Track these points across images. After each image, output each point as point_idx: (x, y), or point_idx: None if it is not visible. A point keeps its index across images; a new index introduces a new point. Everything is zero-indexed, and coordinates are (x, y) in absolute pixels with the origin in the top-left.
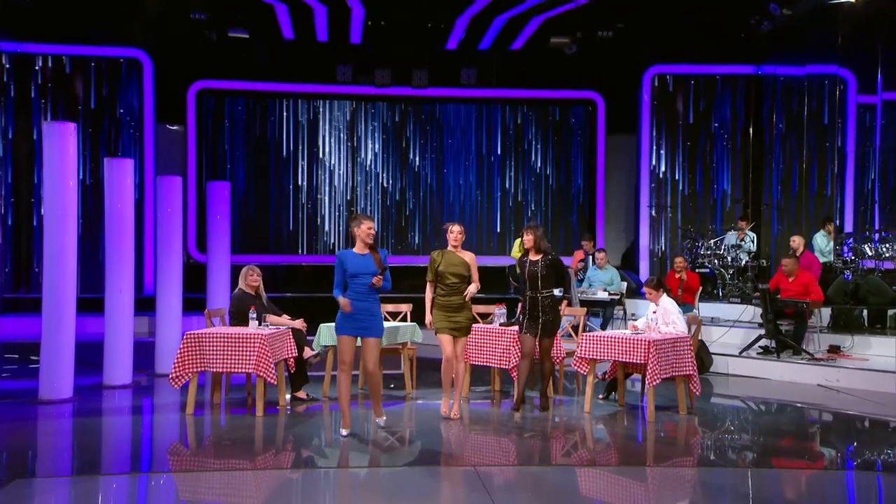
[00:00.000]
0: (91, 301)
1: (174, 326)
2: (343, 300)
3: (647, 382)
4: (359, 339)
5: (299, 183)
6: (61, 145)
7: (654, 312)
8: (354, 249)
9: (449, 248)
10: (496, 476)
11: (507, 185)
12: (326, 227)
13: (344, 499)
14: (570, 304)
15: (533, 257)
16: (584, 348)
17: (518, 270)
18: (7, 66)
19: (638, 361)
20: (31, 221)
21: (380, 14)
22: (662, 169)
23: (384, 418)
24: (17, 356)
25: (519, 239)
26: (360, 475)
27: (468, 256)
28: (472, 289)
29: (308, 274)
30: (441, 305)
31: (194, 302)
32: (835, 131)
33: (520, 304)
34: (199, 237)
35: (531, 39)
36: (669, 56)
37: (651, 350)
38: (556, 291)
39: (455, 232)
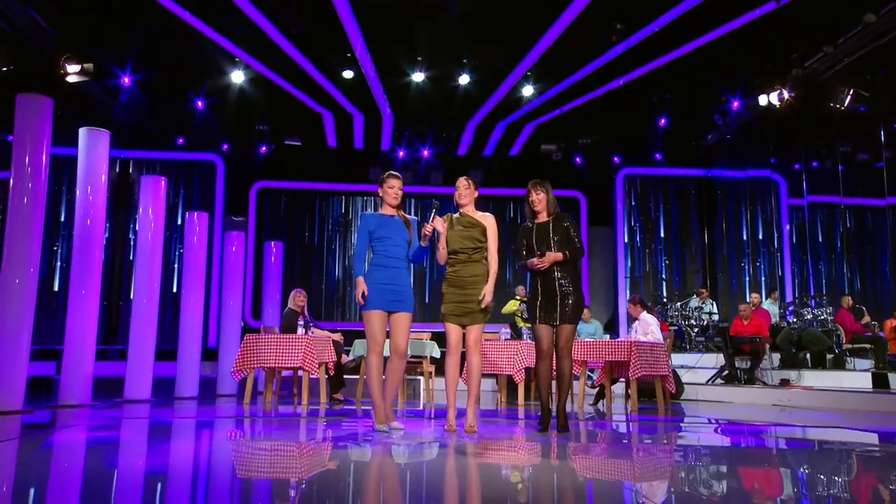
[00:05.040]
0: (169, 352)
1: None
2: (361, 284)
3: (629, 375)
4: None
5: (337, 264)
6: (154, 192)
7: (636, 322)
8: (381, 211)
9: (460, 210)
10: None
11: (506, 273)
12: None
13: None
14: None
15: (542, 220)
16: (577, 352)
17: (524, 242)
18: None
19: (622, 360)
20: (121, 293)
21: (404, 125)
22: (635, 249)
23: (397, 424)
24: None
25: (514, 299)
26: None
27: (487, 220)
28: (488, 293)
29: (344, 335)
30: (449, 281)
31: None
32: (771, 223)
33: (521, 288)
34: (255, 308)
35: (525, 146)
36: (637, 161)
37: (633, 349)
38: None
39: (461, 187)
